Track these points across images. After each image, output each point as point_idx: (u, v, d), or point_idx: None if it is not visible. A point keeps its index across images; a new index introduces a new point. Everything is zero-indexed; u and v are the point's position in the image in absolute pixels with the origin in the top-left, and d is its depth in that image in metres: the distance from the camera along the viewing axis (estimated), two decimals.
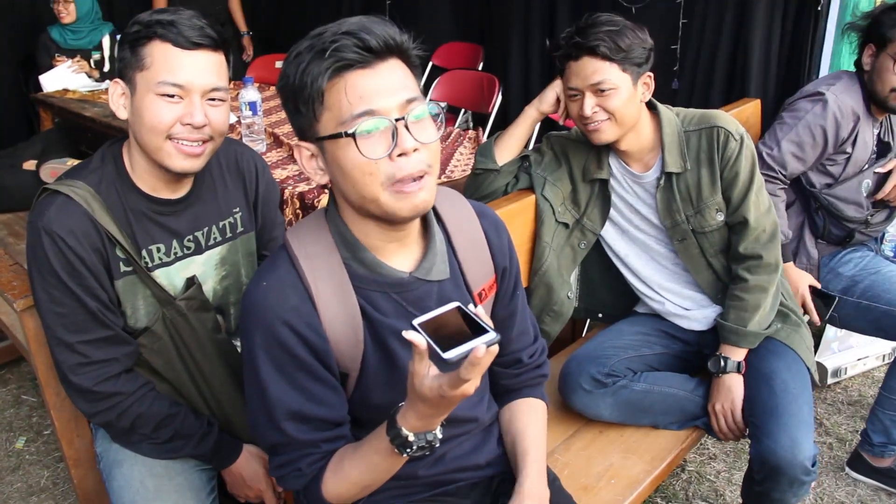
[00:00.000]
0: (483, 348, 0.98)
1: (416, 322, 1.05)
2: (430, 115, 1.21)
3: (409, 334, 1.03)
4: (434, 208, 1.36)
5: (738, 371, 2.03)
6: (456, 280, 1.38)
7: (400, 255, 1.31)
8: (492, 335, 1.00)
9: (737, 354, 2.05)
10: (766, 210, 2.08)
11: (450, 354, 0.99)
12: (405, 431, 1.14)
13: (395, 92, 1.16)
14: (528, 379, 1.57)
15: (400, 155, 1.15)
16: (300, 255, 1.27)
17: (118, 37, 4.77)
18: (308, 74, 1.15)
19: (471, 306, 1.07)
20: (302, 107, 1.18)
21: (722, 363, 2.04)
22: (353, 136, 1.14)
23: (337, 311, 1.27)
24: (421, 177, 1.18)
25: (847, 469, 2.66)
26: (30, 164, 3.83)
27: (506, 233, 1.49)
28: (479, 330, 1.02)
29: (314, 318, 1.25)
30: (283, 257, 1.29)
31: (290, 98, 1.20)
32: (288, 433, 1.27)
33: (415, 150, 1.16)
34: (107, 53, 4.65)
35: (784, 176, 2.48)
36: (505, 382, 1.57)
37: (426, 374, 1.06)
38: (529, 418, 1.53)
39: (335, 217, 1.29)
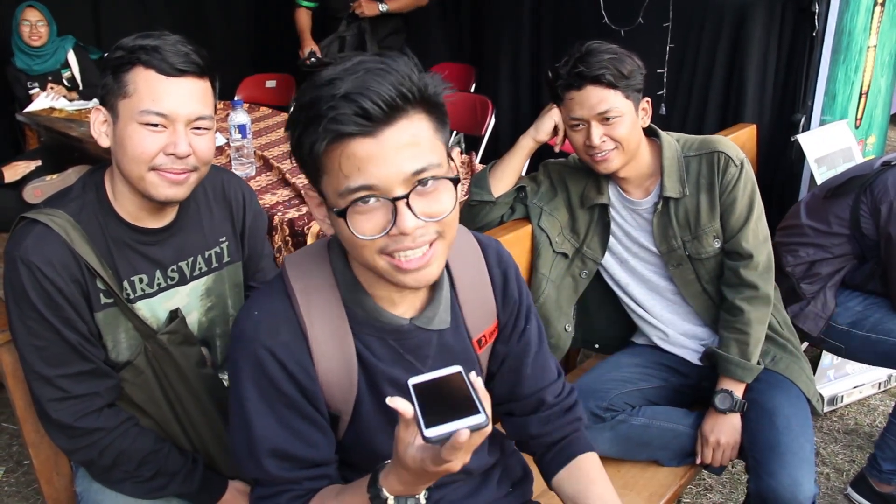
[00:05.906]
0: (466, 433, 0.91)
1: (411, 382, 0.98)
2: (448, 179, 1.09)
3: (394, 401, 0.95)
4: None
5: (742, 410, 2.00)
6: (457, 327, 1.31)
7: (403, 301, 1.24)
8: (480, 418, 0.92)
9: (738, 389, 2.00)
10: (764, 240, 2.05)
11: (431, 433, 0.91)
12: (385, 493, 1.07)
13: (402, 164, 1.03)
14: (563, 426, 1.44)
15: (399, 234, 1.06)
16: (297, 288, 1.20)
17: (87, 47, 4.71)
18: (305, 138, 1.05)
19: (472, 374, 0.98)
20: (303, 167, 1.11)
21: (732, 401, 1.99)
22: (343, 215, 1.06)
23: (331, 352, 1.20)
24: (428, 245, 1.09)
25: (849, 489, 2.63)
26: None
27: (512, 266, 1.40)
28: (472, 406, 0.94)
29: (305, 358, 1.19)
30: (279, 288, 1.22)
31: (295, 151, 1.10)
32: (268, 471, 1.21)
33: (417, 227, 1.06)
34: (76, 69, 4.58)
35: None
36: (535, 432, 1.43)
37: (411, 442, 0.98)
38: (594, 489, 1.39)
39: (338, 253, 1.22)
